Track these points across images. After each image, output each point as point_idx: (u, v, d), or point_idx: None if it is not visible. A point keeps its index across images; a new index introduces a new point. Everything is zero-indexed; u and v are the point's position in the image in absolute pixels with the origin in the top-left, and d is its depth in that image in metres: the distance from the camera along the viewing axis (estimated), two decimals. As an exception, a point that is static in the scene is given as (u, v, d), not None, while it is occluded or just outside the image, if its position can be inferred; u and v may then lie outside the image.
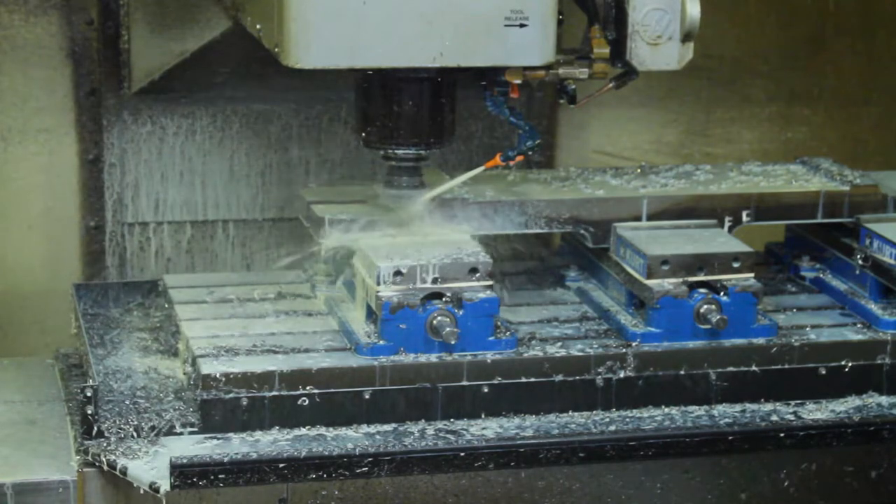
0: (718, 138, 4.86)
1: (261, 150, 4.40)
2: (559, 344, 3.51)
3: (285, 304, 3.73)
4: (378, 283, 3.39)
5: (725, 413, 3.47)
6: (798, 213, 3.88)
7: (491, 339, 3.42)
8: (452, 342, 3.34)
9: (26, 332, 4.41)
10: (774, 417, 3.45)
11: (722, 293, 3.53)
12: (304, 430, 3.31)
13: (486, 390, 3.40)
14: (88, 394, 3.23)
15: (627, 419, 3.42)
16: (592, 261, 3.86)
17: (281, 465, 3.15)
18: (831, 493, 3.47)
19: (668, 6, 3.57)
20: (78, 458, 3.27)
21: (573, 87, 3.61)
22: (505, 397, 3.41)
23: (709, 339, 3.52)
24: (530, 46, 3.37)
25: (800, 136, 4.91)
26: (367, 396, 3.34)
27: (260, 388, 3.30)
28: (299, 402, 3.31)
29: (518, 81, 3.49)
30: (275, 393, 3.30)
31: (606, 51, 3.56)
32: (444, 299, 3.40)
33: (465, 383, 3.39)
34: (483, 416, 3.40)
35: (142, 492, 3.15)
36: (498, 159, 3.60)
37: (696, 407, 3.49)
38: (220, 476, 3.13)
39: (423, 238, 3.57)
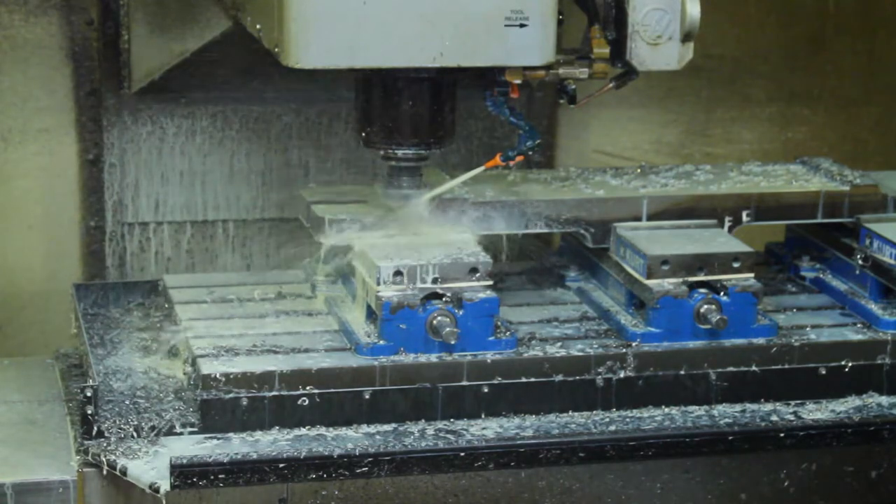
0: (718, 138, 4.86)
1: (261, 151, 4.40)
2: (559, 344, 3.51)
3: (285, 304, 3.73)
4: (378, 283, 3.39)
5: (725, 413, 3.47)
6: (798, 213, 3.88)
7: (491, 339, 3.42)
8: (452, 342, 3.34)
9: (26, 332, 4.41)
10: (774, 417, 3.45)
11: (722, 293, 3.53)
12: (304, 430, 3.31)
13: (486, 390, 3.40)
14: (88, 394, 3.23)
15: (627, 419, 3.42)
16: (592, 261, 3.86)
17: (281, 465, 3.15)
18: (831, 493, 3.47)
19: (668, 6, 3.56)
20: (78, 458, 3.27)
21: (573, 87, 3.61)
22: (505, 397, 3.41)
23: (709, 339, 3.52)
24: (530, 46, 3.37)
25: (800, 136, 4.91)
26: (367, 396, 3.34)
27: (260, 388, 3.30)
28: (299, 402, 3.31)
29: (518, 81, 3.49)
30: (275, 393, 3.30)
31: (606, 51, 3.56)
32: (443, 299, 3.40)
33: (465, 383, 3.39)
34: (483, 416, 3.40)
35: (142, 492, 3.15)
36: (498, 159, 3.60)
37: (696, 407, 3.49)
38: (220, 476, 3.13)
39: (423, 238, 3.57)
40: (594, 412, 3.45)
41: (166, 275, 4.01)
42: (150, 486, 3.12)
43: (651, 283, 3.53)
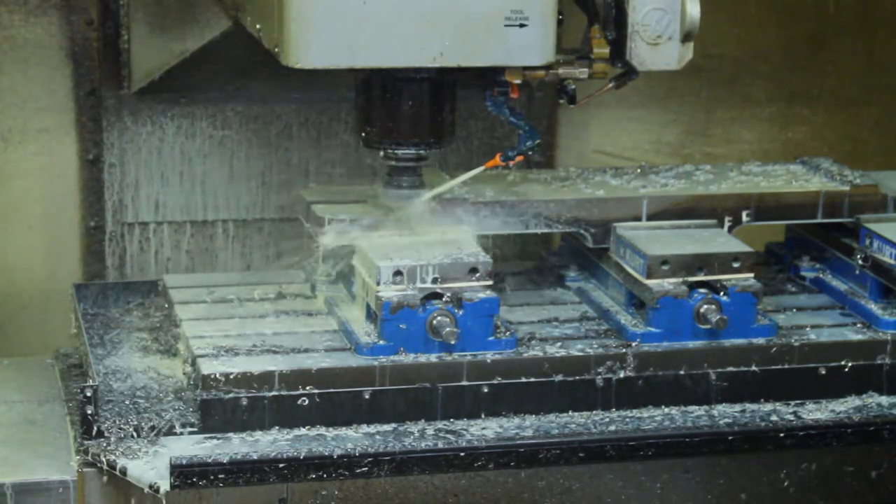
0: (718, 138, 4.86)
1: (261, 151, 4.40)
2: (559, 344, 3.51)
3: (285, 304, 3.73)
4: (378, 283, 3.39)
5: (725, 413, 3.47)
6: (798, 213, 3.88)
7: (491, 339, 3.42)
8: (452, 342, 3.34)
9: (26, 332, 4.41)
10: (774, 417, 3.45)
11: (722, 293, 3.53)
12: (304, 430, 3.31)
13: (486, 390, 3.40)
14: (88, 394, 3.23)
15: (627, 419, 3.42)
16: (592, 261, 3.86)
17: (281, 465, 3.15)
18: (831, 493, 3.47)
19: (668, 6, 3.56)
20: (78, 458, 3.27)
21: (573, 87, 3.61)
22: (505, 397, 3.41)
23: (709, 339, 3.52)
24: (530, 46, 3.37)
25: (800, 136, 4.91)
26: (367, 396, 3.34)
27: (260, 388, 3.30)
28: (299, 402, 3.31)
29: (518, 81, 3.49)
30: (275, 393, 3.30)
31: (606, 51, 3.56)
32: (443, 299, 3.40)
33: (464, 383, 3.39)
34: (483, 416, 3.40)
35: (142, 492, 3.15)
36: (498, 159, 3.60)
37: (696, 407, 3.49)
38: (220, 476, 3.13)
39: (423, 238, 3.57)
40: (594, 412, 3.45)
41: (166, 275, 4.01)
42: (150, 486, 3.12)
43: (651, 283, 3.53)
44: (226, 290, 3.81)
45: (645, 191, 3.80)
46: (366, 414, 3.35)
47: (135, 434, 3.27)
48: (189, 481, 3.11)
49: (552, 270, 3.99)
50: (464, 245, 3.53)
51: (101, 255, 4.37)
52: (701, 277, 3.54)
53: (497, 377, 3.40)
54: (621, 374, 3.46)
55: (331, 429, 3.32)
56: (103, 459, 3.19)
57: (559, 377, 3.43)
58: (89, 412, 3.24)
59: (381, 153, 3.59)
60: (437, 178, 3.72)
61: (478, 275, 3.43)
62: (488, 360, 3.40)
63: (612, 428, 3.37)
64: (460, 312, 3.39)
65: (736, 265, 3.55)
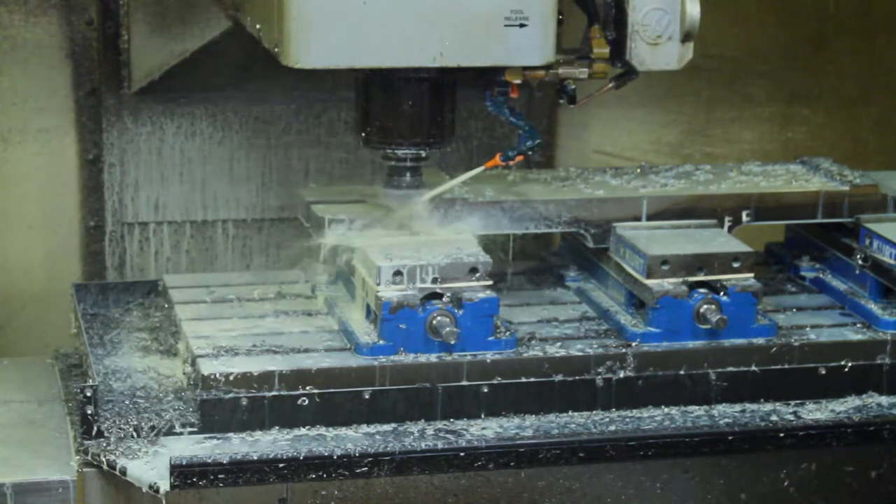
0: (718, 138, 4.86)
1: (261, 151, 4.40)
2: (559, 344, 3.51)
3: (285, 304, 3.73)
4: (378, 283, 3.39)
5: (725, 413, 3.47)
6: (798, 213, 3.88)
7: (491, 339, 3.42)
8: (452, 342, 3.34)
9: (26, 332, 4.41)
10: (774, 417, 3.45)
11: (722, 293, 3.53)
12: (303, 431, 3.31)
13: (485, 390, 3.40)
14: (88, 394, 3.23)
15: (627, 419, 3.42)
16: (592, 261, 3.86)
17: (280, 466, 3.15)
18: (831, 493, 3.47)
19: (668, 6, 3.56)
20: (78, 458, 3.27)
21: (573, 87, 3.61)
22: (505, 397, 3.41)
23: (709, 339, 3.52)
24: (530, 46, 3.37)
25: (800, 136, 4.91)
26: (366, 396, 3.34)
27: (260, 388, 3.30)
28: (299, 402, 3.31)
29: (518, 81, 3.49)
30: (275, 393, 3.30)
31: (606, 51, 3.56)
32: (443, 299, 3.40)
33: (464, 383, 3.39)
34: (483, 416, 3.40)
35: (142, 492, 3.15)
36: (498, 159, 3.60)
37: (696, 407, 3.49)
38: (220, 476, 3.13)
39: (423, 238, 3.57)
40: (594, 412, 3.45)
41: (166, 275, 4.01)
42: (150, 487, 3.12)
43: (651, 283, 3.53)
44: (226, 290, 3.81)
45: (645, 191, 3.80)
46: (366, 414, 3.35)
47: (135, 434, 3.27)
48: (189, 481, 3.11)
49: (552, 270, 3.99)
50: (464, 245, 3.53)
51: (101, 255, 4.37)
52: (701, 277, 3.54)
53: (497, 377, 3.40)
54: (621, 374, 3.46)
55: (331, 429, 3.32)
56: (103, 459, 3.19)
57: (559, 377, 3.43)
58: (89, 412, 3.24)
59: (381, 153, 3.59)
60: (437, 178, 3.72)
61: (478, 275, 3.43)
62: (488, 360, 3.40)
63: (612, 428, 3.37)
64: (460, 312, 3.39)
65: (736, 265, 3.55)
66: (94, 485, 3.24)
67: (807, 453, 3.42)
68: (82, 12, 4.21)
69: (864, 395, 3.56)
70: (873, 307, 3.74)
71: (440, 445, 3.24)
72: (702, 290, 3.53)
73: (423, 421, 3.37)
